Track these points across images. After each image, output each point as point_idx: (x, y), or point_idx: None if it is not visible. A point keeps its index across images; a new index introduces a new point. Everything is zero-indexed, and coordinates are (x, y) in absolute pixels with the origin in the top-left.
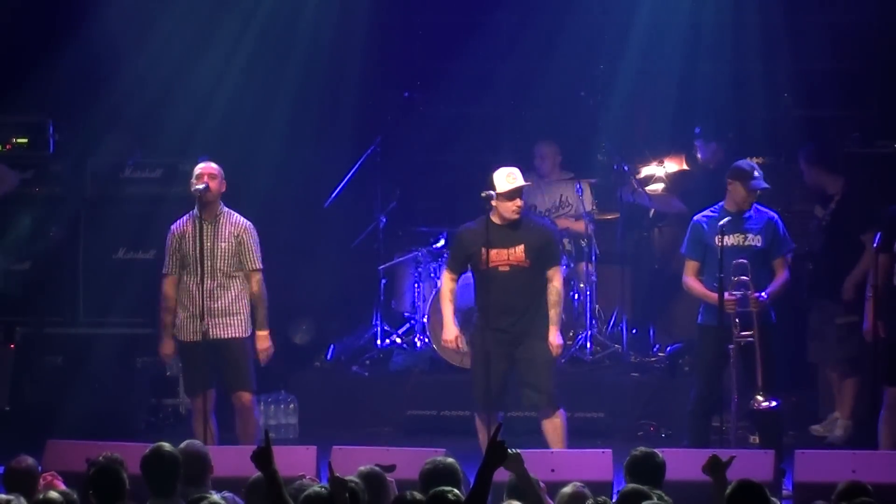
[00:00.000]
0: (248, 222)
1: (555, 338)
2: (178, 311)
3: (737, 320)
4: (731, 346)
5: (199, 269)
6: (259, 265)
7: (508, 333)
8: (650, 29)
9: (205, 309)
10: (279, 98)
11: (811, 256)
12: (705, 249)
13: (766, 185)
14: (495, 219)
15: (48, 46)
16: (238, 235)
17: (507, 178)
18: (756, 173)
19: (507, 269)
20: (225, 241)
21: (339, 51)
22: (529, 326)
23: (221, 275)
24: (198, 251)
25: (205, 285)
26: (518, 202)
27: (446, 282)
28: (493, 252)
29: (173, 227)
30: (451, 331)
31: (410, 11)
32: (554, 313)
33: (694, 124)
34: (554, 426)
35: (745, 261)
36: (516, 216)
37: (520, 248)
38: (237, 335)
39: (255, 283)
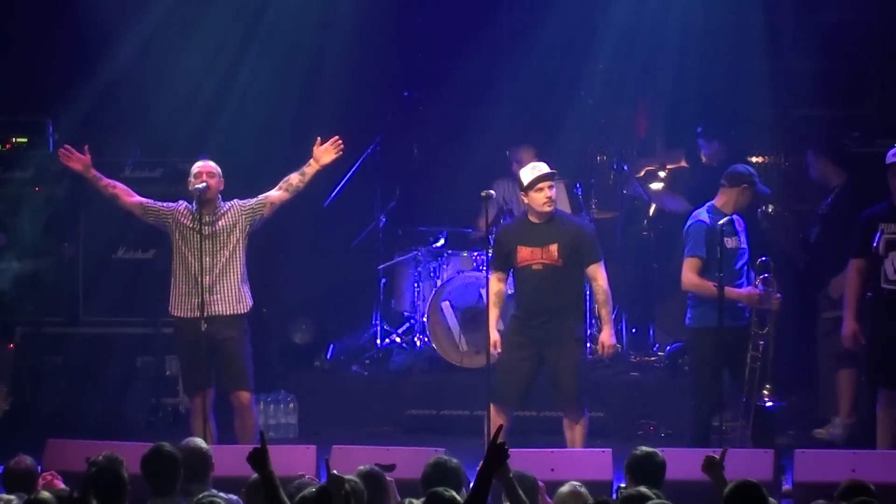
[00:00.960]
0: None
1: (607, 337)
2: (174, 290)
3: (755, 319)
4: (762, 343)
5: (197, 252)
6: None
7: (538, 331)
8: (651, 27)
9: (202, 288)
10: (279, 97)
11: (807, 248)
12: (710, 249)
13: (769, 191)
14: (532, 217)
15: (48, 45)
16: (232, 207)
17: (531, 170)
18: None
19: (539, 267)
20: (223, 220)
21: (339, 50)
22: (560, 327)
23: (219, 255)
24: (196, 239)
25: (203, 266)
26: (548, 192)
27: (492, 283)
28: (528, 250)
29: (177, 205)
30: (492, 334)
31: (410, 11)
32: (605, 312)
33: (694, 123)
34: (573, 428)
35: (769, 260)
36: (549, 207)
37: (553, 247)
38: (234, 312)
39: (271, 199)
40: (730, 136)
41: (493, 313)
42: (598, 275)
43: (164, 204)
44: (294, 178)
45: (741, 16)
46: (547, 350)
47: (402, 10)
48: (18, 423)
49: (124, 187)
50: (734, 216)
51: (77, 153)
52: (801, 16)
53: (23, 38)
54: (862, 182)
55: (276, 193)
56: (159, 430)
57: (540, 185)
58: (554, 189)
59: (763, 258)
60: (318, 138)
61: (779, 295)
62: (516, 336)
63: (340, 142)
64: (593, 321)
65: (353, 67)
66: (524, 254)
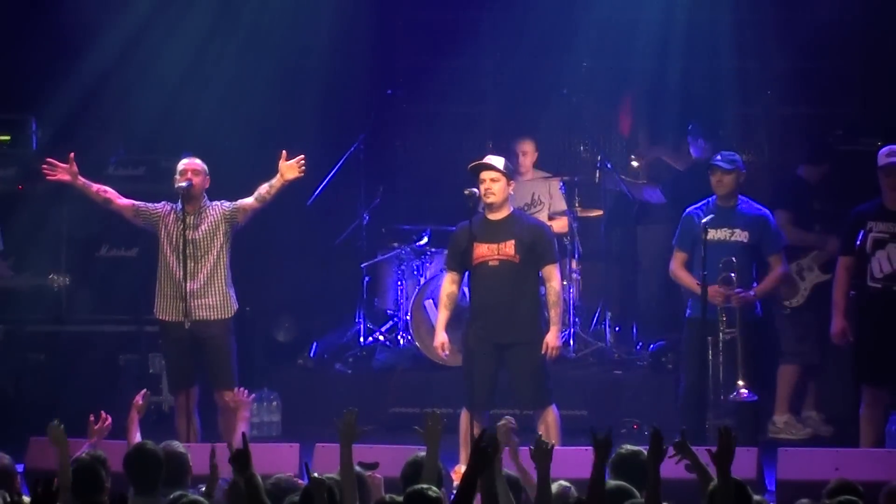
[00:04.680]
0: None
1: (553, 339)
2: (158, 292)
3: (724, 317)
4: (715, 339)
5: (181, 257)
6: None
7: (492, 331)
8: (634, 26)
9: (187, 293)
10: (262, 95)
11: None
12: (694, 242)
13: (723, 165)
14: (488, 214)
15: (30, 43)
16: (215, 209)
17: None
18: (718, 156)
19: (496, 263)
20: (206, 224)
21: (323, 48)
22: (515, 329)
23: (204, 260)
24: (181, 244)
25: (187, 271)
26: (486, 184)
27: (445, 284)
28: (484, 246)
29: (162, 206)
30: (438, 336)
31: (393, 8)
32: (554, 314)
33: (677, 122)
34: (546, 424)
35: (732, 258)
36: (488, 199)
37: (510, 244)
38: (220, 317)
39: (244, 206)
40: (718, 136)
41: (443, 314)
42: (553, 276)
43: (153, 205)
44: (263, 189)
45: (724, 14)
46: (504, 352)
47: (385, 8)
48: (0, 421)
49: (114, 191)
50: (738, 207)
51: (60, 164)
52: (786, 14)
53: (4, 35)
54: (845, 179)
55: (248, 201)
56: (143, 429)
57: (481, 177)
58: (499, 183)
59: (729, 257)
60: (284, 152)
61: (738, 290)
62: (475, 342)
63: (304, 161)
64: (576, 318)
65: (336, 65)
66: (480, 250)
